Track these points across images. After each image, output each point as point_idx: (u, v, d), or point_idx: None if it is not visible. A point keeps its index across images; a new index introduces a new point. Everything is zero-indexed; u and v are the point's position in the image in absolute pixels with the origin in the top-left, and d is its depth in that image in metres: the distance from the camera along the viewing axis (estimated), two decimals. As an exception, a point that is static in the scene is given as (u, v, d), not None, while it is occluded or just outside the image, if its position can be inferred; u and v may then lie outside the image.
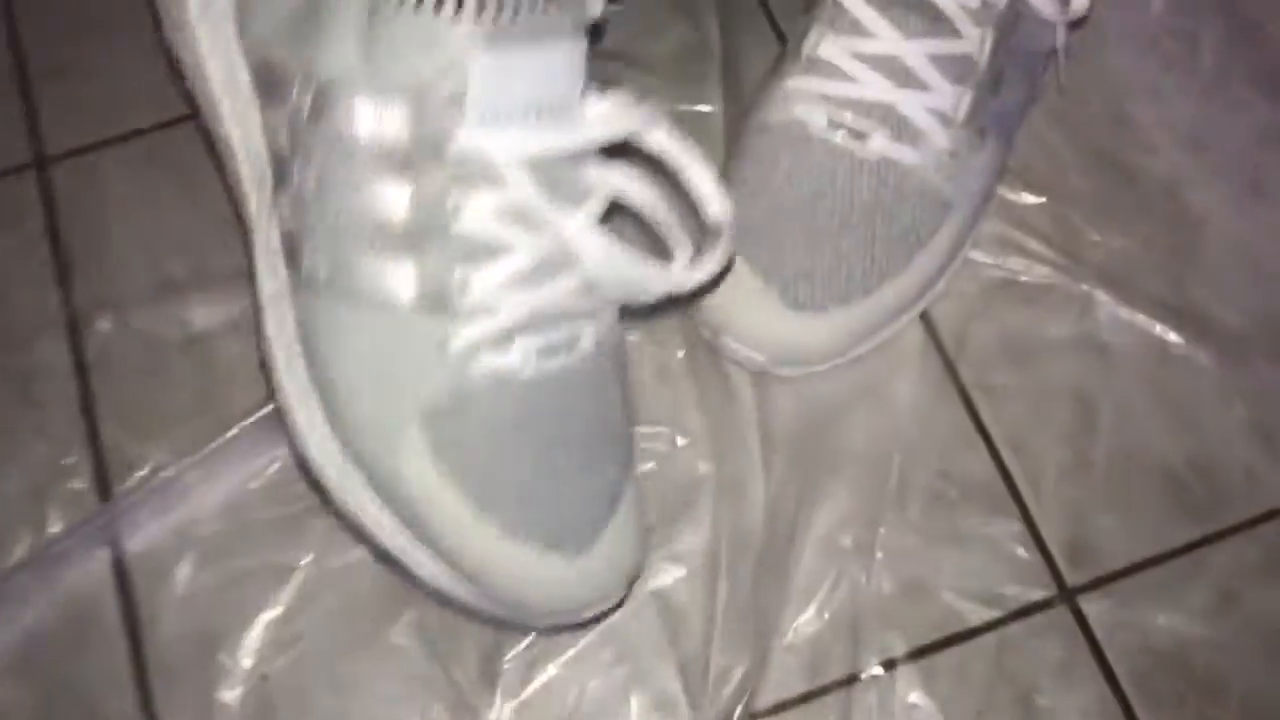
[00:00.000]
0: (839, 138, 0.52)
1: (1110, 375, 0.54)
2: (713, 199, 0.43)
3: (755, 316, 0.51)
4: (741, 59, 0.61)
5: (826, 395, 0.53)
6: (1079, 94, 0.59)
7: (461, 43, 0.38)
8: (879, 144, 0.51)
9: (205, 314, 0.55)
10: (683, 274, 0.43)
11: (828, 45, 0.52)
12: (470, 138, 0.39)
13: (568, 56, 0.40)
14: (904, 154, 0.52)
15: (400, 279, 0.41)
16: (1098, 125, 0.59)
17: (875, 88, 0.51)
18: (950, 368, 0.54)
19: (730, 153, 0.55)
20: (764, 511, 0.51)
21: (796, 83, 0.53)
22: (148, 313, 0.55)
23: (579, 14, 0.41)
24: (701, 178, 0.43)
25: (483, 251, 0.41)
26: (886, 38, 0.51)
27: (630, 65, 0.61)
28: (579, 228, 0.41)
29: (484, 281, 0.41)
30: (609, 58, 0.61)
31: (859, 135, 0.52)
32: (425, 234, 0.40)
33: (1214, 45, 0.61)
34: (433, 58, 0.38)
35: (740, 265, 0.51)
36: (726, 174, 0.54)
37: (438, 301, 0.41)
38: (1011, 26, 0.52)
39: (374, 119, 0.40)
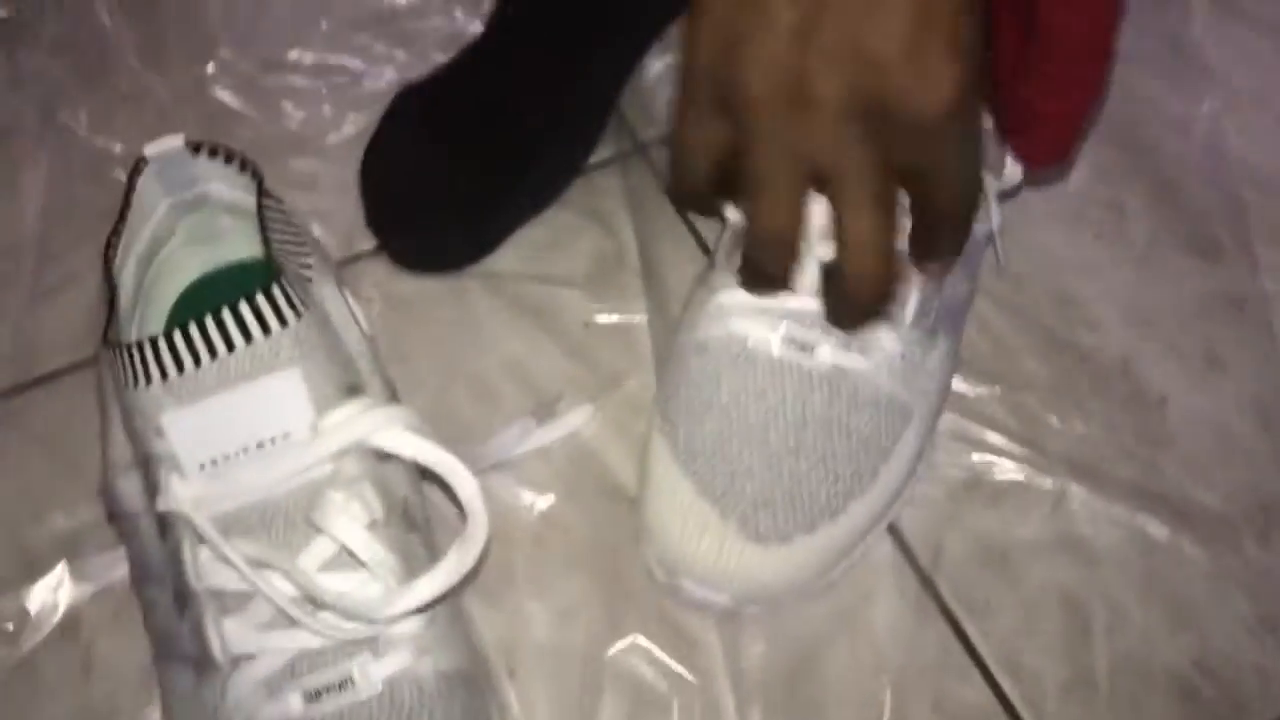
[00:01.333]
0: (783, 351, 0.48)
1: (1095, 575, 0.50)
2: (464, 487, 0.40)
3: (714, 554, 0.46)
4: (662, 264, 0.57)
5: (801, 629, 0.48)
6: (1017, 275, 0.57)
7: (157, 405, 0.40)
8: (827, 354, 0.48)
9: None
10: (424, 587, 0.40)
11: (760, 254, 0.49)
12: (186, 489, 0.40)
13: (281, 385, 0.40)
14: (855, 362, 0.48)
15: (185, 637, 0.42)
16: (1041, 306, 0.56)
17: (815, 296, 0.48)
18: (928, 583, 0.50)
19: (665, 373, 0.50)
20: (746, 775, 0.45)
21: (730, 296, 0.49)
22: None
23: (281, 347, 0.41)
24: (451, 469, 0.41)
25: (231, 600, 0.41)
26: (821, 245, 0.48)
27: (545, 282, 0.57)
28: (312, 567, 0.40)
29: (238, 629, 0.41)
30: (522, 277, 0.57)
31: (805, 347, 0.48)
32: (185, 592, 0.41)
33: (1140, 211, 0.59)
34: (147, 425, 0.40)
35: (693, 498, 0.47)
36: (664, 397, 0.49)
37: (206, 658, 0.41)
38: (948, 217, 0.50)
39: (133, 495, 0.43)
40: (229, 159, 0.47)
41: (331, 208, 0.59)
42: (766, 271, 0.44)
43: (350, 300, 0.47)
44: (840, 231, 0.40)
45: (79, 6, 0.65)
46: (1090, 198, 0.60)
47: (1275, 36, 0.65)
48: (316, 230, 0.58)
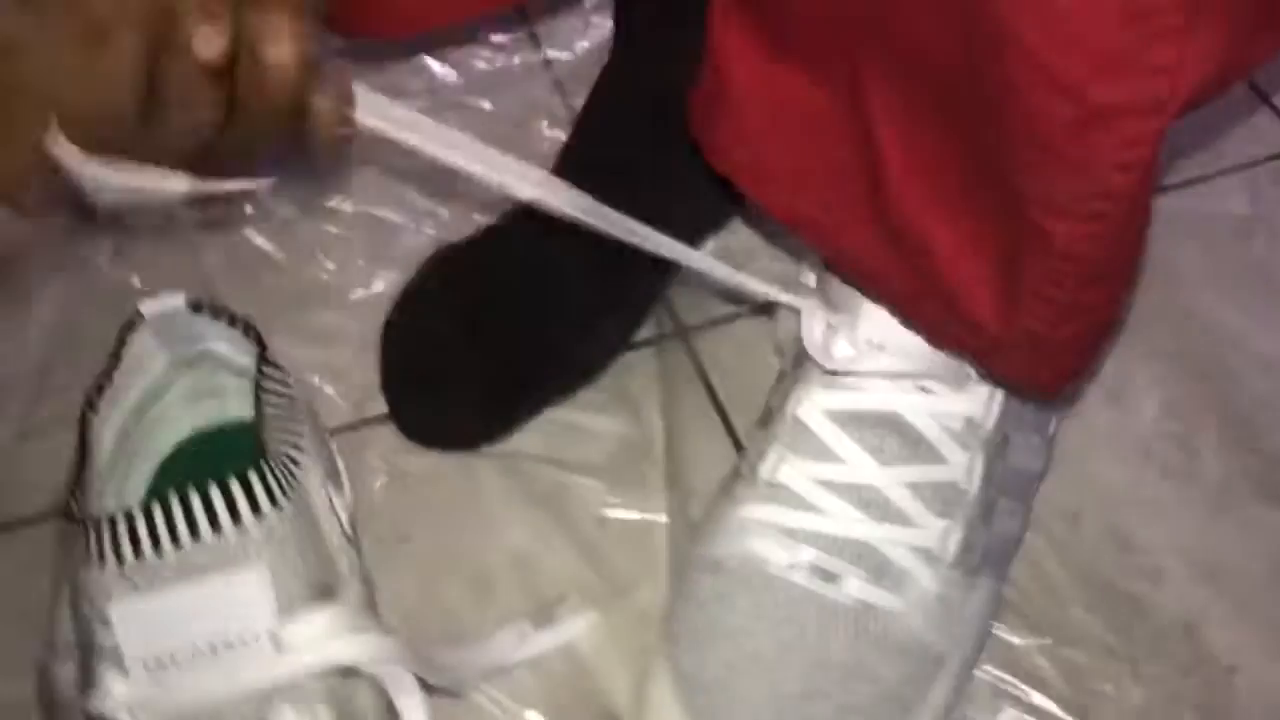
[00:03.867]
0: (805, 579, 0.43)
1: None
2: None
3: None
4: (689, 461, 0.53)
5: None
6: (1074, 511, 0.52)
7: (107, 591, 0.36)
8: (855, 587, 0.43)
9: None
10: None
11: (789, 469, 0.45)
12: (124, 689, 0.37)
13: (245, 584, 0.37)
14: (885, 599, 0.43)
15: None
16: (1098, 549, 0.51)
17: (847, 521, 0.44)
18: None
19: (675, 590, 0.46)
20: None
21: (753, 511, 0.45)
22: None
23: (251, 539, 0.37)
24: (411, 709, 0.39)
25: None
26: (858, 464, 0.44)
27: (562, 468, 0.53)
28: None
29: None
30: (538, 460, 0.53)
31: (830, 577, 0.43)
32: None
33: (1213, 452, 0.54)
34: (93, 611, 0.37)
35: (688, 736, 0.42)
36: (670, 616, 0.45)
37: None
38: (1001, 447, 0.46)
39: (71, 683, 0.39)
40: (232, 321, 0.44)
41: (348, 366, 0.56)
42: None
43: (333, 495, 0.43)
44: None
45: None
46: (1160, 431, 0.55)
47: (1371, 276, 0.61)
48: (329, 389, 0.55)
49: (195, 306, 0.44)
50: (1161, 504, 0.53)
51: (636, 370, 0.56)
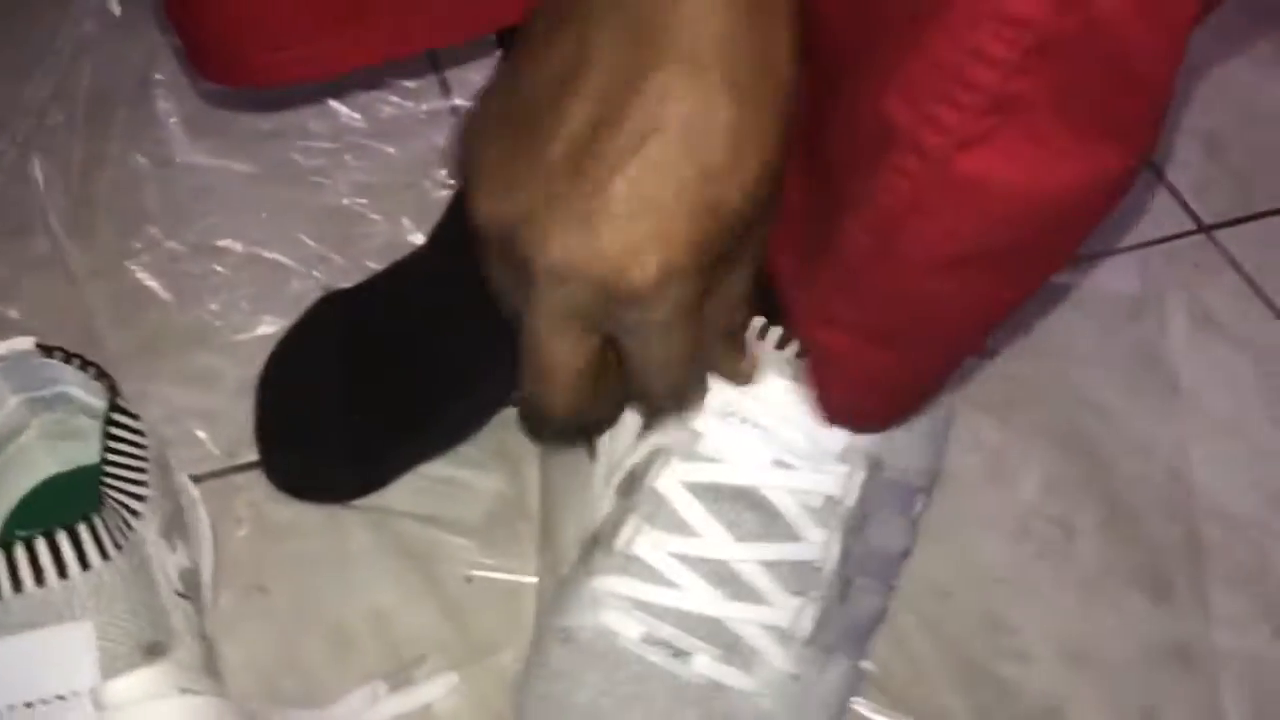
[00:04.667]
0: (656, 655, 0.43)
1: None
2: None
3: None
4: (563, 523, 0.53)
5: None
6: (946, 588, 0.52)
7: None
8: (704, 665, 0.43)
9: None
10: None
11: (644, 541, 0.44)
12: None
13: (67, 640, 0.36)
14: (734, 678, 0.43)
15: None
16: (968, 627, 0.51)
17: (700, 597, 0.43)
18: None
19: (529, 659, 0.45)
20: None
21: (607, 582, 0.44)
22: None
23: (76, 594, 0.36)
24: None
25: None
26: (714, 539, 0.44)
27: (433, 524, 0.52)
28: None
29: None
30: (408, 516, 0.52)
31: (680, 654, 0.43)
32: None
33: (1090, 534, 0.54)
34: None
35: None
36: (520, 687, 0.44)
37: None
38: (861, 526, 0.45)
39: None
40: (84, 366, 0.43)
41: (224, 410, 0.55)
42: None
43: (175, 547, 0.42)
44: None
45: (14, 160, 0.63)
46: (1039, 511, 0.55)
47: (1257, 359, 0.61)
48: (201, 433, 0.54)
49: (46, 350, 0.43)
50: (1035, 585, 0.53)
51: (515, 425, 0.56)
